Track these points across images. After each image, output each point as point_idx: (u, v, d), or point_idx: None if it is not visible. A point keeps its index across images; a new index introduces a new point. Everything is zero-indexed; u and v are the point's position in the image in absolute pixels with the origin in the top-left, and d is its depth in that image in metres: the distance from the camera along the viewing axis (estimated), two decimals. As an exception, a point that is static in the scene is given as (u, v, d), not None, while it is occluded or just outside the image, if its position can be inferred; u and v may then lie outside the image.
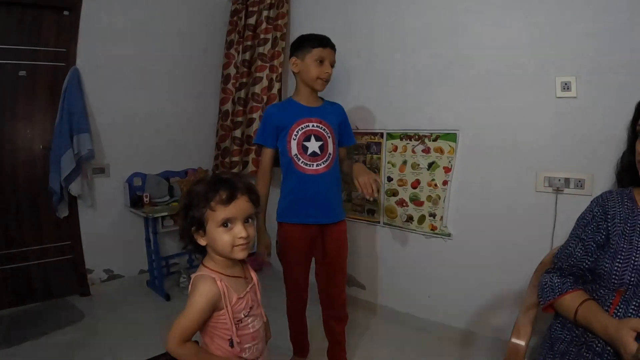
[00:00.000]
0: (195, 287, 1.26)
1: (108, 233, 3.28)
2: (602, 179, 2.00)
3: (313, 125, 2.05)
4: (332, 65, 2.06)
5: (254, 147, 3.35)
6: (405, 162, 2.73)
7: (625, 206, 1.36)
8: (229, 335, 1.29)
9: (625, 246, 1.28)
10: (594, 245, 1.38)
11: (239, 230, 1.24)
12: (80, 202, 3.15)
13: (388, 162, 2.82)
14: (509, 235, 2.38)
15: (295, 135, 2.02)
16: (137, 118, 3.35)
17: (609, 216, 1.38)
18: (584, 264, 1.40)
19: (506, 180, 2.38)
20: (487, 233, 2.48)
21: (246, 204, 1.26)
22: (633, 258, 1.26)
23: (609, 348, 1.21)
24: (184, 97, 3.60)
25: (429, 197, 2.66)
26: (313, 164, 2.04)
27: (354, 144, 2.32)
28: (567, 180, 2.17)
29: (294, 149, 2.03)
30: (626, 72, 1.94)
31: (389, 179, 2.82)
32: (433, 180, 2.63)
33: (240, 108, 3.45)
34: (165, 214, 3.17)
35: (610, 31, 1.99)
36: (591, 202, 1.46)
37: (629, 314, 1.22)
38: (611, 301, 1.28)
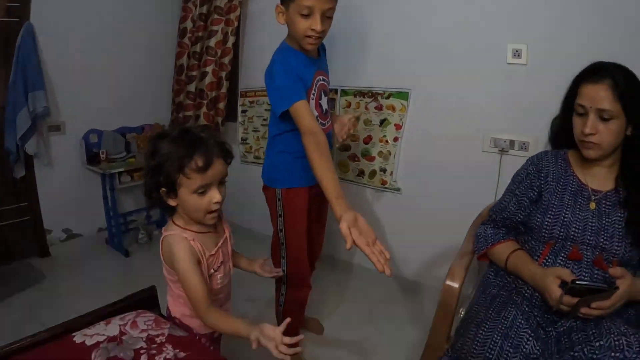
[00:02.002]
0: (171, 251, 1.25)
1: (65, 192, 3.25)
2: (545, 143, 2.07)
3: (323, 79, 1.83)
4: (328, 17, 1.63)
5: (205, 101, 3.31)
6: (358, 118, 2.78)
7: (559, 166, 1.47)
8: None
9: (556, 203, 1.40)
10: (527, 201, 1.49)
11: (213, 194, 1.22)
12: (36, 162, 3.09)
13: (342, 118, 2.86)
14: (455, 192, 2.49)
15: (314, 94, 1.76)
16: (92, 74, 3.26)
17: (542, 174, 1.49)
18: (517, 218, 1.53)
19: (454, 139, 2.47)
20: (434, 189, 2.58)
21: (221, 167, 1.23)
22: (563, 214, 1.37)
23: (537, 294, 1.33)
24: (140, 53, 3.51)
25: (380, 153, 2.74)
26: (325, 123, 1.84)
27: None
28: (512, 142, 2.27)
29: (313, 109, 1.73)
30: (576, 42, 2.01)
31: (342, 135, 2.87)
32: (384, 136, 2.70)
33: (195, 62, 3.39)
34: (122, 169, 3.16)
35: (562, 1, 2.05)
36: (527, 160, 1.57)
37: (557, 265, 1.34)
38: (540, 252, 1.40)
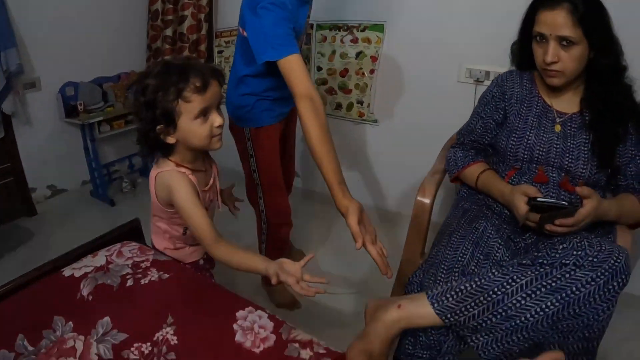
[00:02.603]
0: (168, 186, 1.21)
1: (46, 148, 3.21)
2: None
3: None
4: None
5: (187, 45, 3.26)
6: (334, 52, 2.77)
7: (524, 87, 1.46)
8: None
9: (520, 125, 1.41)
10: (493, 124, 1.51)
11: (214, 118, 1.17)
12: (14, 121, 3.01)
13: (317, 52, 2.84)
14: (432, 122, 2.51)
15: (301, 37, 1.68)
16: (63, 26, 3.16)
17: (506, 96, 1.49)
18: (484, 140, 1.56)
19: (430, 70, 2.47)
20: (411, 119, 2.61)
21: (217, 88, 1.17)
22: (527, 137, 1.38)
23: (506, 210, 1.38)
24: (110, 1, 3.41)
25: (357, 85, 2.75)
26: None
27: None
28: (487, 73, 2.29)
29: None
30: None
31: (319, 69, 2.86)
32: (361, 69, 2.70)
33: (171, 6, 3.30)
34: (101, 118, 3.13)
35: None
36: (492, 82, 1.57)
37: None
38: (506, 173, 1.43)
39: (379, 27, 2.59)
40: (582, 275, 1.02)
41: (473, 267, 1.25)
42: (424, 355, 1.21)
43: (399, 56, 2.58)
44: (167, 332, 1.09)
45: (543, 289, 1.04)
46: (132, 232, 1.60)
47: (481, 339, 1.10)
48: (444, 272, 1.25)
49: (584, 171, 1.33)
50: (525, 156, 1.39)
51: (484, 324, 1.07)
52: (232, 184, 1.57)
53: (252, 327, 1.11)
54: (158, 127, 1.14)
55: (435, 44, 2.43)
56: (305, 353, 1.05)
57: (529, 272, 1.07)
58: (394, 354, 1.27)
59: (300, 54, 1.44)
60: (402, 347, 1.25)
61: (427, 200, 1.56)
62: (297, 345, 1.07)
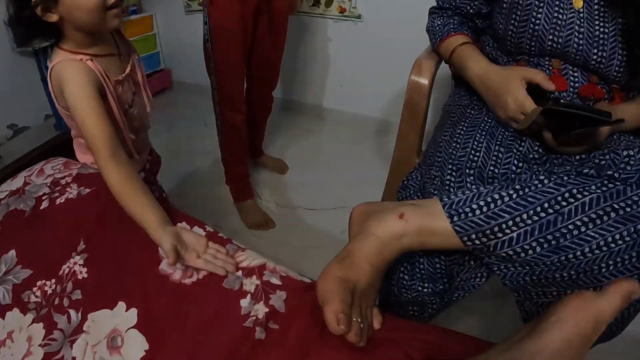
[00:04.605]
0: (60, 80, 0.96)
1: (1, 85, 2.94)
2: None
3: None
4: None
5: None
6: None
7: None
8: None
9: (522, 1, 1.00)
10: None
11: None
12: None
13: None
14: (422, 14, 2.22)
15: None
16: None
17: None
18: (468, 8, 1.17)
19: None
20: (399, 13, 2.28)
21: None
22: (533, 19, 0.98)
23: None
24: None
25: None
26: None
27: None
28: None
29: None
30: None
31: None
32: (341, -44, 2.37)
33: None
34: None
35: None
36: None
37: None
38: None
39: None
40: None
41: (492, 168, 0.90)
42: (426, 289, 0.91)
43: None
44: (74, 263, 0.86)
45: (613, 214, 0.71)
46: (65, 146, 1.33)
47: (512, 269, 0.77)
48: (454, 173, 0.91)
49: (619, 71, 0.94)
50: (533, 48, 1.00)
51: (522, 254, 0.74)
52: None
53: (183, 250, 0.85)
54: (33, 1, 0.89)
55: None
56: (250, 283, 0.77)
57: (594, 188, 0.73)
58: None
59: None
60: (395, 277, 0.95)
61: (423, 80, 1.22)
62: (239, 272, 0.79)
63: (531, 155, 0.92)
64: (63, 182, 1.07)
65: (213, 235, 0.88)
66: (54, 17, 0.92)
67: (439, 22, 1.19)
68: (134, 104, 1.11)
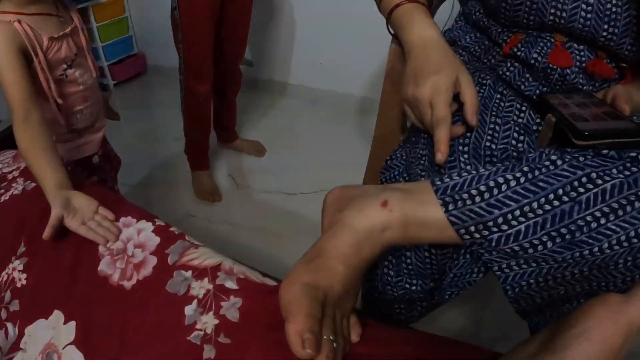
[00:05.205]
0: None
1: None
2: None
3: None
4: None
5: None
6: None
7: None
8: (50, 96, 1.05)
9: None
10: None
11: None
12: None
13: None
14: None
15: None
16: None
17: None
18: None
19: None
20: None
21: None
22: None
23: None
24: None
25: None
26: None
27: None
28: None
29: None
30: None
31: None
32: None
33: None
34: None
35: None
36: None
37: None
38: (506, 41, 0.87)
39: None
40: None
41: (489, 144, 0.75)
42: (414, 287, 0.78)
43: None
44: (13, 269, 0.78)
45: (638, 204, 0.58)
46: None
47: (515, 268, 0.65)
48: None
49: (631, 50, 0.79)
50: (532, 22, 0.83)
51: (531, 249, 0.61)
52: (108, 94, 1.28)
53: (125, 247, 0.72)
54: None
55: None
56: (199, 287, 0.64)
57: (615, 172, 0.60)
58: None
59: None
60: (378, 272, 0.82)
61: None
62: (188, 273, 0.67)
63: (534, 127, 0.77)
64: (10, 176, 1.00)
65: (164, 229, 0.75)
66: None
67: None
68: (74, 64, 1.09)
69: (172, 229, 0.76)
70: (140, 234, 0.73)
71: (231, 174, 2.03)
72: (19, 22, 0.95)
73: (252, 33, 2.63)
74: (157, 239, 0.72)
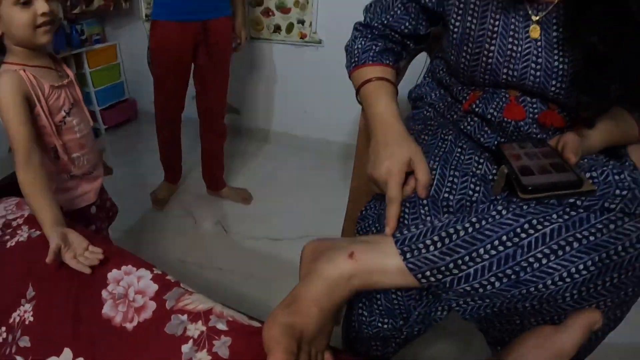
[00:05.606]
0: None
1: None
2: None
3: None
4: None
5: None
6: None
7: None
8: (51, 142, 1.14)
9: (474, 31, 0.91)
10: (418, 9, 1.02)
11: (39, 5, 1.05)
12: None
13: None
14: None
15: None
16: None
17: None
18: (402, 28, 1.03)
19: None
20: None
21: None
22: (485, 52, 0.89)
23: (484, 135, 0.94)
24: None
25: (297, 3, 2.43)
26: None
27: None
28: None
29: None
30: None
31: (253, -13, 2.54)
32: (300, -17, 2.39)
33: None
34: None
35: None
36: None
37: (485, 121, 0.92)
38: (465, 97, 0.97)
39: None
40: (633, 229, 0.67)
41: (447, 195, 0.83)
42: (386, 325, 0.87)
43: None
44: (24, 311, 0.85)
45: (576, 244, 0.68)
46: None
47: (472, 303, 0.74)
48: (407, 204, 0.83)
49: (578, 101, 0.87)
50: (488, 80, 0.92)
51: (481, 289, 0.71)
52: (101, 149, 1.43)
53: (127, 293, 0.80)
54: None
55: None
56: (194, 329, 0.73)
57: (555, 217, 0.70)
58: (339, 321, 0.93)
59: None
60: (354, 312, 0.91)
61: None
62: (184, 317, 0.75)
63: (490, 177, 0.86)
64: (14, 224, 1.07)
65: (161, 277, 0.84)
66: None
67: (359, 45, 1.06)
68: (72, 113, 1.19)
69: (168, 277, 0.84)
70: (139, 281, 0.81)
71: (220, 221, 2.08)
72: (24, 70, 1.07)
73: (238, 82, 2.74)
74: (155, 286, 0.80)
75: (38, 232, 1.01)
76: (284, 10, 2.47)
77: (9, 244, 1.00)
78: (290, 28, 2.50)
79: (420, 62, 1.28)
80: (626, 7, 0.69)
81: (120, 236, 1.82)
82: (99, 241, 0.98)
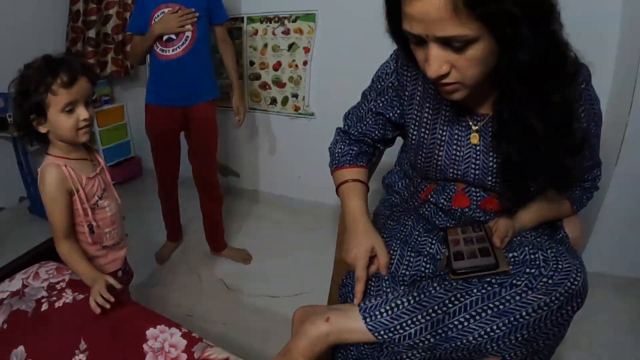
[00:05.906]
0: (42, 179, 1.28)
1: None
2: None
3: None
4: None
5: (111, 46, 3.12)
6: (266, 45, 2.71)
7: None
8: (87, 220, 1.34)
9: (426, 140, 1.11)
10: (384, 120, 1.23)
11: (80, 112, 1.25)
12: None
13: (249, 47, 2.77)
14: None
15: (155, 21, 1.99)
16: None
17: (406, 94, 1.14)
18: (374, 134, 1.25)
19: (365, 58, 2.42)
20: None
21: (86, 84, 1.26)
22: (436, 155, 1.10)
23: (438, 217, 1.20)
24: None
25: (291, 78, 2.70)
26: (169, 50, 2.01)
27: (227, 20, 2.26)
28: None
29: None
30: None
31: (251, 63, 2.80)
32: (294, 61, 2.66)
33: (94, 6, 3.13)
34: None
35: None
36: (390, 57, 1.20)
37: (440, 207, 1.17)
38: (423, 189, 1.20)
39: (310, 17, 2.53)
40: (534, 299, 0.91)
41: (404, 271, 1.10)
42: None
43: (332, 46, 2.52)
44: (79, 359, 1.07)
45: (489, 311, 0.93)
46: (51, 250, 1.52)
47: (418, 355, 1.00)
48: (373, 279, 1.11)
49: (510, 191, 1.07)
50: (438, 176, 1.14)
51: (421, 344, 0.97)
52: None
53: (163, 346, 1.05)
54: (31, 116, 1.23)
55: (369, 32, 2.37)
56: None
57: (475, 291, 0.96)
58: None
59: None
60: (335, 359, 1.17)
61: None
62: None
63: (439, 256, 1.12)
64: (58, 287, 1.28)
65: (188, 334, 1.10)
66: (44, 130, 1.26)
67: (339, 150, 1.29)
68: (104, 196, 1.39)
69: (193, 334, 1.10)
70: (172, 337, 1.07)
71: (222, 279, 2.25)
72: (66, 166, 1.28)
73: (238, 147, 2.95)
74: (185, 341, 1.07)
75: (82, 296, 1.23)
76: (280, 84, 2.74)
77: (57, 304, 1.21)
78: (285, 101, 2.76)
79: (395, 151, 1.50)
80: (534, 129, 0.93)
81: (132, 291, 1.99)
82: (132, 303, 1.23)
